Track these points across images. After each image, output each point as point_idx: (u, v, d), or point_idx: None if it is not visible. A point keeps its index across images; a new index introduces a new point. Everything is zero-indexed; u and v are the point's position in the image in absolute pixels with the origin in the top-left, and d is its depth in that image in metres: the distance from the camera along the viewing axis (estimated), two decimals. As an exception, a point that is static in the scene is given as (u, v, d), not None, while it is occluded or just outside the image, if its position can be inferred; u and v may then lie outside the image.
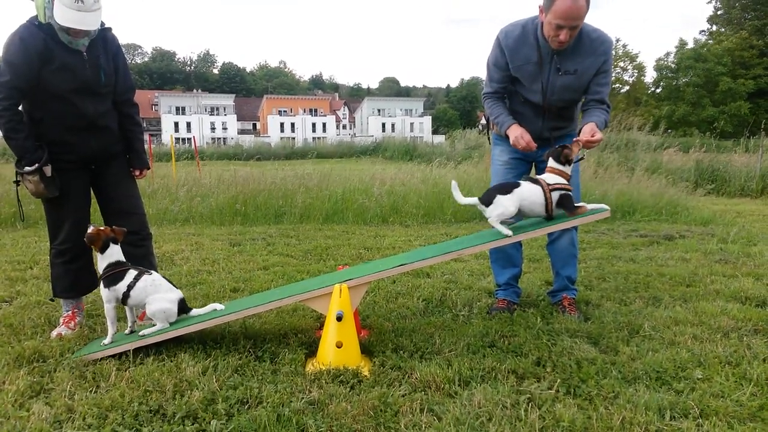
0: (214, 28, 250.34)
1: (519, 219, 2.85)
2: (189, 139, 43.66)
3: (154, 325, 2.59)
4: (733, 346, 2.58)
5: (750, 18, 43.30)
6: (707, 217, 7.17)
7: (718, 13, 45.94)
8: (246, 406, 2.04)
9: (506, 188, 2.71)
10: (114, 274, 2.57)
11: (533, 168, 3.28)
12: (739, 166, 11.66)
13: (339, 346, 2.38)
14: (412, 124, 75.98)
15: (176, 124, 67.27)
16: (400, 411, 1.99)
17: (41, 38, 2.61)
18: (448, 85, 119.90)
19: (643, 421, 1.92)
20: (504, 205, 2.64)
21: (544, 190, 2.68)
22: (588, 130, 2.78)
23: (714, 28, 46.04)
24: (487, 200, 2.69)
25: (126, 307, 2.66)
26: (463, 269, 4.35)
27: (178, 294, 2.64)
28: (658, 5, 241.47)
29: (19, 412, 1.99)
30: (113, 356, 2.48)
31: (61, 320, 2.95)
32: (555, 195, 2.68)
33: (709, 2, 54.35)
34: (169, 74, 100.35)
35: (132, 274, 2.58)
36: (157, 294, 2.57)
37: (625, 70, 46.88)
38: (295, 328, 2.90)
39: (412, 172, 9.48)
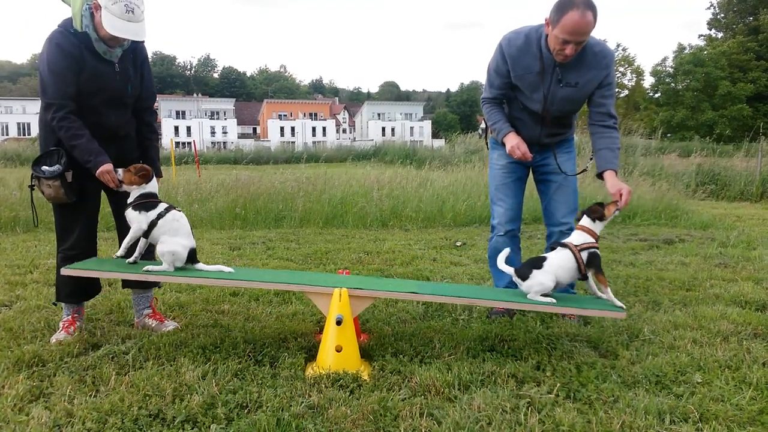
0: (215, 32, 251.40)
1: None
2: (189, 143, 43.72)
3: (159, 265, 2.67)
4: (732, 350, 2.58)
5: (745, 23, 43.37)
6: (707, 221, 7.19)
7: (718, 17, 46.06)
8: (245, 411, 2.04)
9: (538, 262, 2.65)
10: (148, 202, 2.69)
11: (530, 173, 3.28)
12: (739, 170, 11.68)
13: (339, 350, 2.38)
14: (412, 128, 76.15)
15: (176, 128, 67.34)
16: (399, 415, 1.99)
17: (76, 45, 2.62)
18: (448, 90, 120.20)
19: (642, 425, 1.92)
20: (541, 282, 2.60)
21: (573, 253, 2.63)
22: (616, 191, 2.73)
23: (712, 32, 46.18)
24: (523, 275, 2.66)
25: (141, 240, 2.73)
26: (462, 273, 4.35)
27: (191, 242, 2.73)
28: (656, 9, 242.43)
29: (19, 417, 1.99)
30: (112, 360, 2.49)
31: (61, 325, 2.94)
32: (584, 254, 2.63)
33: (709, 8, 54.52)
34: (169, 78, 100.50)
35: (163, 205, 2.71)
36: (174, 237, 2.66)
37: (624, 75, 46.89)
38: (294, 332, 2.90)
39: (412, 177, 9.47)
